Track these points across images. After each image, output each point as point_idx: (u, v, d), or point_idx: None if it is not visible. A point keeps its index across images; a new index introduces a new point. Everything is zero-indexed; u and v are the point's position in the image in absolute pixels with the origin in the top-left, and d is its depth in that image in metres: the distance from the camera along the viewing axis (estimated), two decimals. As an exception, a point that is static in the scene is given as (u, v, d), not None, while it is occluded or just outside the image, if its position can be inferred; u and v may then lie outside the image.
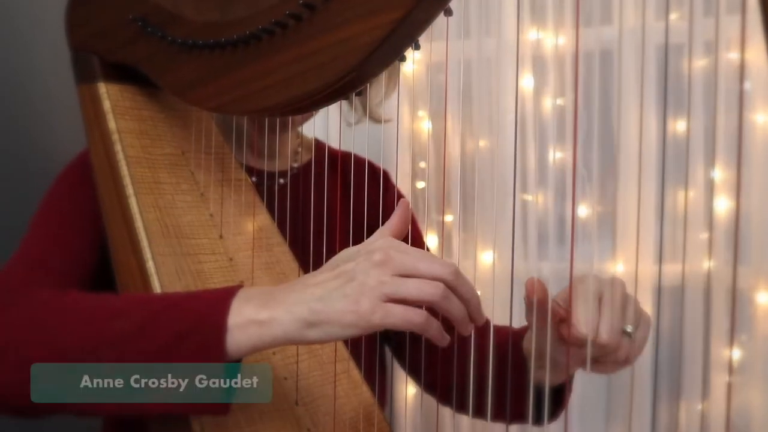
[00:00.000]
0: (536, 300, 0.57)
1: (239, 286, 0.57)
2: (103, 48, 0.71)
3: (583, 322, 0.58)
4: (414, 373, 0.84)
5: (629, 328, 0.60)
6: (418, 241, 0.86)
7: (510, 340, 0.72)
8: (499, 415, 0.68)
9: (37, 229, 0.74)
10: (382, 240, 0.56)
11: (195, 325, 0.54)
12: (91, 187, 0.70)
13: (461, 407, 0.73)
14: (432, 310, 0.55)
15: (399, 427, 1.30)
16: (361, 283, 0.53)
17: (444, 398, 0.80)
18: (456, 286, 0.54)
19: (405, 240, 0.59)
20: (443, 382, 0.77)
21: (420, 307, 0.54)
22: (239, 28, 0.61)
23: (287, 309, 0.54)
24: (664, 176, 1.25)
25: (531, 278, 0.57)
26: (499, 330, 0.74)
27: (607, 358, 0.61)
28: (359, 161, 0.90)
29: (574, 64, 1.30)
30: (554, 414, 0.73)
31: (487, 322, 0.70)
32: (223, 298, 0.55)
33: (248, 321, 0.54)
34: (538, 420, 0.69)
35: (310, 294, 0.54)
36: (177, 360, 0.54)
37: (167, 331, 0.54)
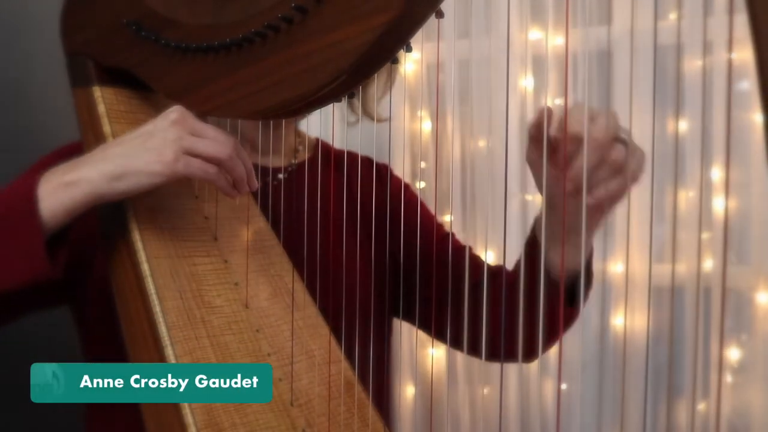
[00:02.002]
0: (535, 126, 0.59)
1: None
2: (97, 52, 0.71)
3: (577, 120, 0.56)
4: (425, 324, 0.84)
5: (623, 135, 0.59)
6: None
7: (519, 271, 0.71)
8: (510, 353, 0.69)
9: None
10: (177, 107, 0.63)
11: (10, 205, 0.59)
12: None
13: (473, 350, 0.70)
14: None
15: (398, 427, 1.30)
16: (162, 138, 0.60)
17: (455, 342, 0.77)
18: (238, 153, 0.64)
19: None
20: (453, 327, 0.73)
21: None
22: (232, 32, 0.61)
23: (92, 167, 0.60)
24: (662, 176, 1.25)
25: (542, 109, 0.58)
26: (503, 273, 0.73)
27: (601, 167, 0.58)
28: (361, 158, 0.90)
29: (573, 64, 1.29)
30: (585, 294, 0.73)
31: (500, 269, 0.75)
32: (30, 177, 0.60)
33: (56, 185, 0.59)
34: (571, 302, 0.73)
35: (113, 152, 0.61)
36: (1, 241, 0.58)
37: None
